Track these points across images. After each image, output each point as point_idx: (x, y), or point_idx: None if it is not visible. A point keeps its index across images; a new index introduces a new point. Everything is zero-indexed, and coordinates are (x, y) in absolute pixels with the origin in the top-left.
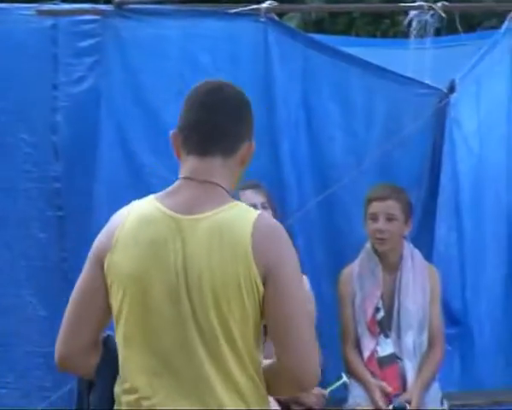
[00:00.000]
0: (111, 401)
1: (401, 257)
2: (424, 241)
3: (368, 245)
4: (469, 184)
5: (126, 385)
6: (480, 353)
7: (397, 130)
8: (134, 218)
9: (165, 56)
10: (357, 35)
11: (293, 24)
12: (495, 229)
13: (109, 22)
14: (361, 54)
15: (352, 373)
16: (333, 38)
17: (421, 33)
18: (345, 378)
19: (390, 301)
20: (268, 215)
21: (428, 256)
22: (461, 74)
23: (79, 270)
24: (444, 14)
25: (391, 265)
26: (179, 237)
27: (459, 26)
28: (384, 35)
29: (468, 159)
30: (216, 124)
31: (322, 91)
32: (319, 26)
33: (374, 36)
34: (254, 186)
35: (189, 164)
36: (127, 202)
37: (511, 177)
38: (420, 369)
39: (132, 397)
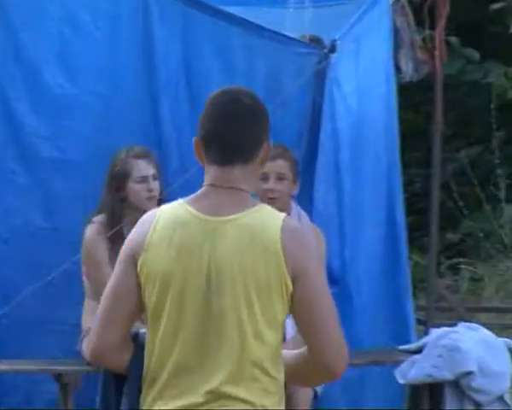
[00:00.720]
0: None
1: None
2: (303, 199)
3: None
4: (349, 143)
5: (151, 372)
6: (358, 312)
7: (277, 89)
8: (165, 220)
9: (46, 15)
10: None
11: None
12: (374, 188)
13: None
14: (241, 13)
15: None
16: None
17: None
18: None
19: None
20: (291, 219)
21: (308, 215)
22: (340, 34)
23: None
24: None
25: None
26: (211, 238)
27: None
28: None
29: (347, 118)
30: (235, 136)
31: (202, 51)
32: None
33: None
34: (146, 156)
35: (211, 173)
36: (7, 161)
37: (390, 136)
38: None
39: (157, 390)
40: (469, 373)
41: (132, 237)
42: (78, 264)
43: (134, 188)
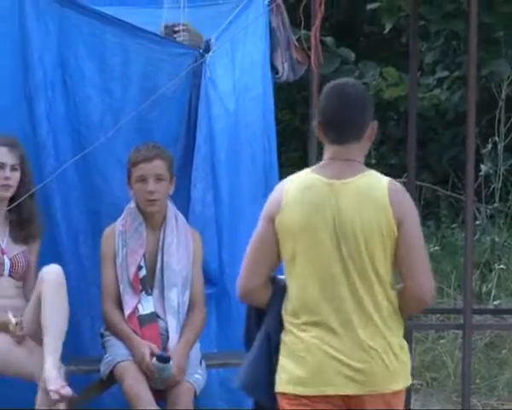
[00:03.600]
0: (280, 321)
1: (165, 217)
2: (181, 200)
3: (132, 205)
4: (225, 143)
5: (294, 307)
6: (236, 313)
7: (153, 89)
8: (296, 185)
9: None
10: None
11: None
12: (251, 189)
13: None
14: (116, 13)
15: (112, 330)
16: None
17: None
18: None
19: (153, 259)
20: (392, 179)
21: (185, 216)
22: (216, 34)
23: None
24: None
25: (155, 224)
26: (334, 196)
27: None
28: None
29: (224, 119)
30: (349, 122)
31: (78, 51)
32: None
33: None
34: (8, 144)
35: (331, 150)
36: None
37: (267, 137)
38: (183, 330)
39: (300, 318)
40: None
41: (269, 202)
42: None
43: None
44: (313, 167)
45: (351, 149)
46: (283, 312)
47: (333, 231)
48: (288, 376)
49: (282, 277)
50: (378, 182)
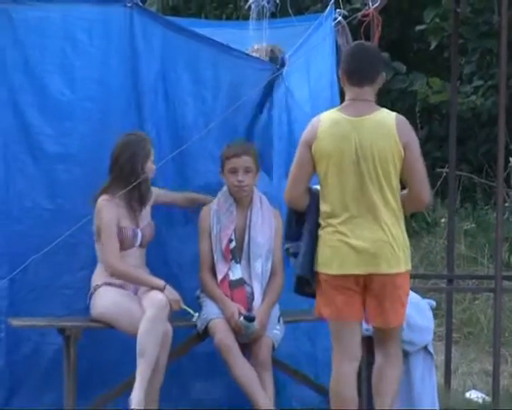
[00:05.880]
0: (317, 223)
1: (251, 199)
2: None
3: (225, 189)
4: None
5: (327, 208)
6: None
7: (239, 97)
8: (327, 120)
9: (50, 34)
10: (206, 18)
11: (153, 8)
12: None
13: (1, 5)
14: (209, 34)
15: (207, 292)
16: (186, 21)
17: (260, 17)
18: (195, 316)
19: (241, 233)
20: (398, 114)
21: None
22: (291, 51)
23: None
24: (278, 0)
25: (243, 205)
26: (355, 129)
27: (290, 11)
28: (228, 18)
29: (302, 120)
30: (366, 70)
31: (177, 65)
32: (175, 10)
33: (220, 18)
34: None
35: (352, 92)
36: (19, 154)
37: None
38: (266, 293)
39: (331, 217)
40: None
41: (306, 133)
42: (77, 237)
43: (151, 167)
44: (338, 107)
45: (366, 90)
46: (320, 213)
47: (355, 154)
48: (321, 260)
49: (315, 187)
50: (388, 116)
